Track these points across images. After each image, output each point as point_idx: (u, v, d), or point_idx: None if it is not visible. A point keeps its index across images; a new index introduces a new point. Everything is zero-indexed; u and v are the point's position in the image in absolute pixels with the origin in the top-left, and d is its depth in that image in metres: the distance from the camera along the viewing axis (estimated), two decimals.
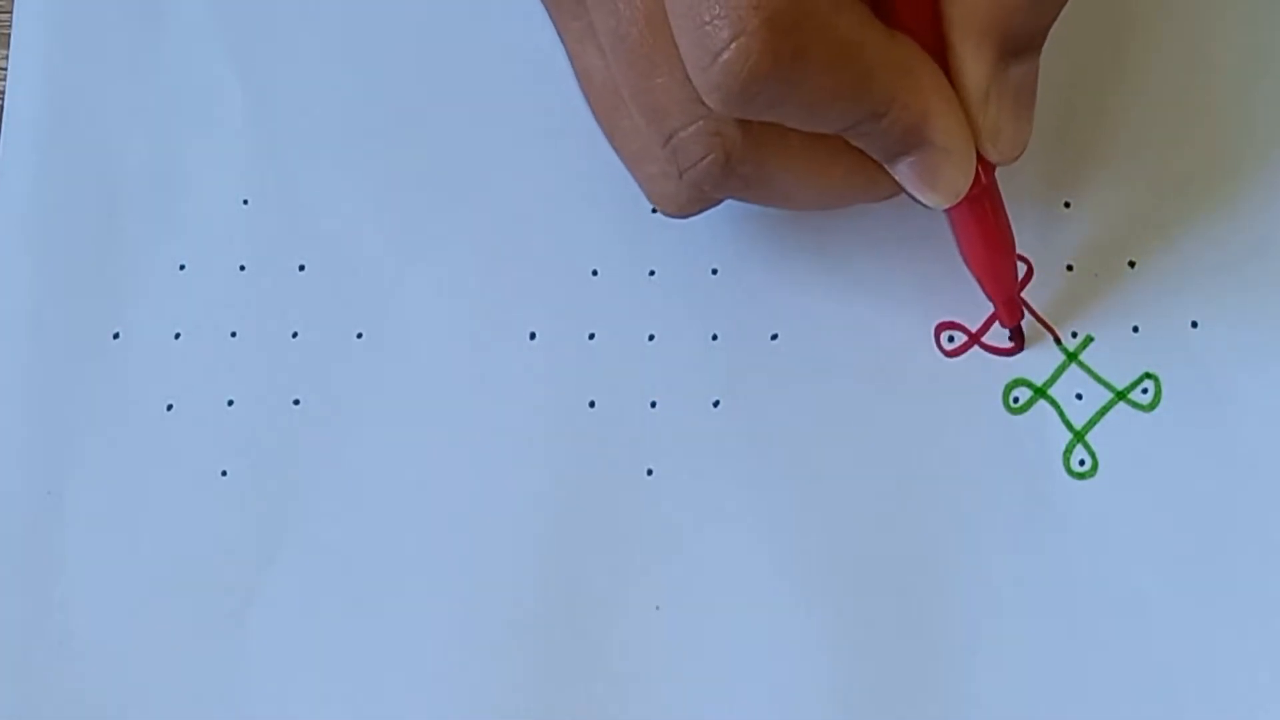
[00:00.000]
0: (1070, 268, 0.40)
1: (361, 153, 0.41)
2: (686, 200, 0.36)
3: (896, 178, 0.36)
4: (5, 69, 0.42)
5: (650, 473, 0.39)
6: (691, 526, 0.38)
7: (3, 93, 0.42)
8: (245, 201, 0.41)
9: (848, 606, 0.38)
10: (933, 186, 0.35)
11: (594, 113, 0.37)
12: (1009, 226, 0.37)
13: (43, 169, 0.41)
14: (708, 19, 0.31)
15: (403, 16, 0.42)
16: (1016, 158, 0.36)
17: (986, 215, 0.37)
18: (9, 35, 0.42)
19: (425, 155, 0.41)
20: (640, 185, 0.37)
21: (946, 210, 0.36)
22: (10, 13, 0.42)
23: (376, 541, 0.39)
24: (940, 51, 0.35)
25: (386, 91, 0.42)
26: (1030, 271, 0.40)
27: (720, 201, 0.37)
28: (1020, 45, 0.35)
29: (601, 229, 0.40)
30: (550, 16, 0.37)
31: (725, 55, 0.31)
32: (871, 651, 0.37)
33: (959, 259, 0.38)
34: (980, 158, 0.36)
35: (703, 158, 0.34)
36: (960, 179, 0.35)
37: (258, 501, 0.39)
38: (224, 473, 0.39)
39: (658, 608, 0.38)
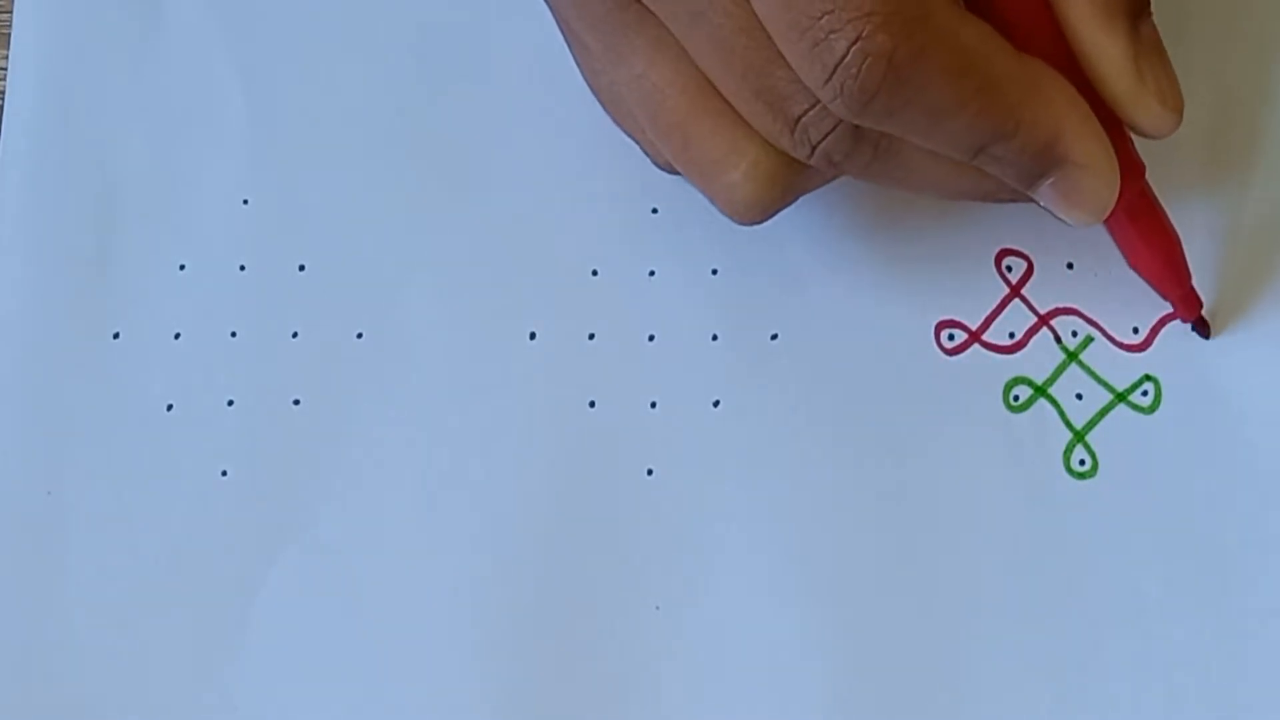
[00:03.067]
0: (1070, 266, 0.40)
1: (361, 152, 0.41)
2: (771, 200, 0.35)
3: (1040, 203, 0.35)
4: (5, 69, 0.42)
5: (650, 473, 0.39)
6: (691, 526, 0.38)
7: (2, 93, 0.42)
8: (245, 201, 0.41)
9: (847, 606, 0.38)
10: (1078, 205, 0.35)
11: (660, 126, 0.36)
12: (1169, 223, 0.37)
13: (42, 168, 0.41)
14: (823, 35, 0.31)
15: (403, 16, 0.42)
16: (1182, 111, 0.35)
17: (1143, 219, 0.36)
18: (9, 35, 0.42)
19: (425, 155, 0.41)
20: (714, 196, 0.36)
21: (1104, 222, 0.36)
22: (10, 12, 0.42)
23: (377, 541, 0.39)
24: (1065, 66, 0.34)
25: (387, 92, 0.41)
26: (1030, 270, 0.40)
27: (793, 201, 0.36)
28: (1140, 1, 0.34)
29: (601, 229, 0.40)
30: (579, 38, 0.36)
31: (845, 60, 0.31)
32: (871, 651, 0.37)
33: (958, 258, 0.38)
34: (1127, 165, 0.35)
35: (837, 124, 0.33)
36: (1106, 192, 0.35)
37: (258, 501, 0.39)
38: (224, 473, 0.39)
39: (658, 608, 0.38)
